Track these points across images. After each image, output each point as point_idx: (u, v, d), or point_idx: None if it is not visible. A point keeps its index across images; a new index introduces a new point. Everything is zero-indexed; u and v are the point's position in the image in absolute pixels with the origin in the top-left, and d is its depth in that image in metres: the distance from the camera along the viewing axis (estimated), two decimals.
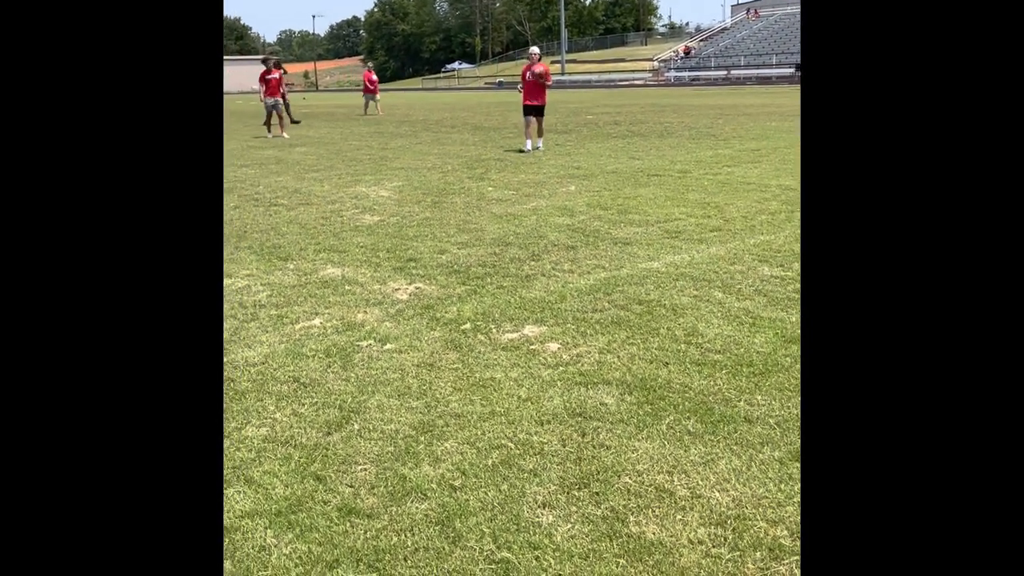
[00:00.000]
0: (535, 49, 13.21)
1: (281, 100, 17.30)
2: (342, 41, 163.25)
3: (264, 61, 17.68)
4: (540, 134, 12.67)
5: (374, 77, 25.81)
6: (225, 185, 9.76)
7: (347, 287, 4.96)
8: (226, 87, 74.29)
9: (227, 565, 2.18)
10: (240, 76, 72.09)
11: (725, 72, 54.77)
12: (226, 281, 5.20)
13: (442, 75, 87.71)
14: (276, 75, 17.14)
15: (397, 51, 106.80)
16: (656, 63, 64.45)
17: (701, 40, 68.47)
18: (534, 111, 12.47)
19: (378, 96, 25.76)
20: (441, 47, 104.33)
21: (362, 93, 26.69)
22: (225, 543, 2.28)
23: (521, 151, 12.53)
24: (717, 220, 6.60)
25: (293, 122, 20.18)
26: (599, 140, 14.07)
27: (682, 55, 64.55)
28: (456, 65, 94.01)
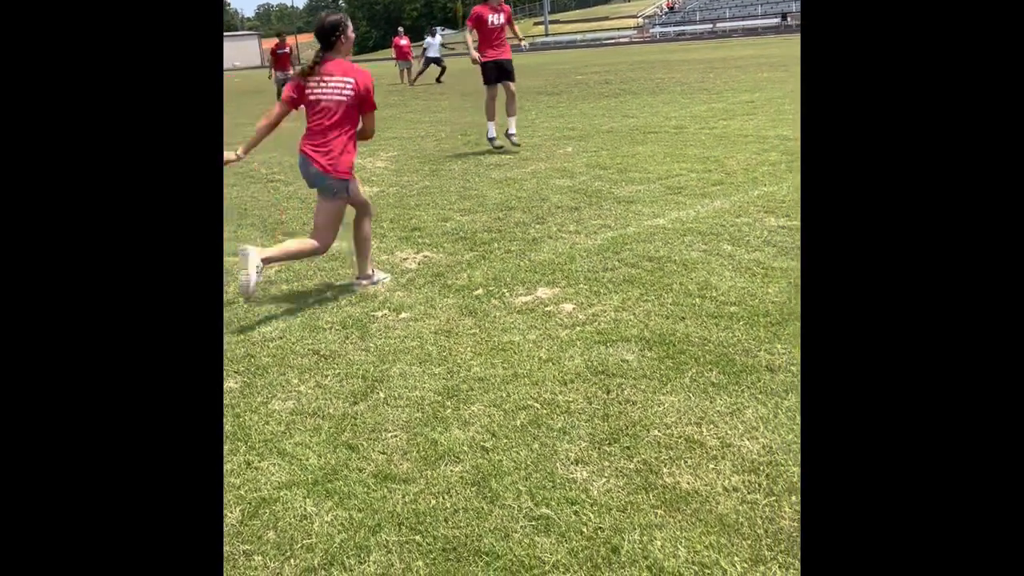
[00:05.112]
0: None
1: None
2: (322, 12, 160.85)
3: (279, 35, 18.11)
4: (513, 111, 8.66)
5: (403, 42, 24.29)
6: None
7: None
8: None
9: (270, 535, 2.21)
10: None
11: (711, 25, 54.19)
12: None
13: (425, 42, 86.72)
14: (286, 49, 17.49)
15: (378, 20, 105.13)
16: (640, 19, 63.71)
17: None
18: (504, 73, 8.45)
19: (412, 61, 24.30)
20: (423, 14, 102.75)
21: (395, 61, 25.05)
22: (266, 514, 2.31)
23: (493, 142, 8.76)
24: (718, 174, 6.59)
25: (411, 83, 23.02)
26: (591, 100, 13.96)
27: (666, 10, 63.82)
28: (438, 31, 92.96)
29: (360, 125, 4.09)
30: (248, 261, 3.80)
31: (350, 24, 4.04)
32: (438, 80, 23.04)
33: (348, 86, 3.93)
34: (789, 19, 48.35)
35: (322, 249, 4.12)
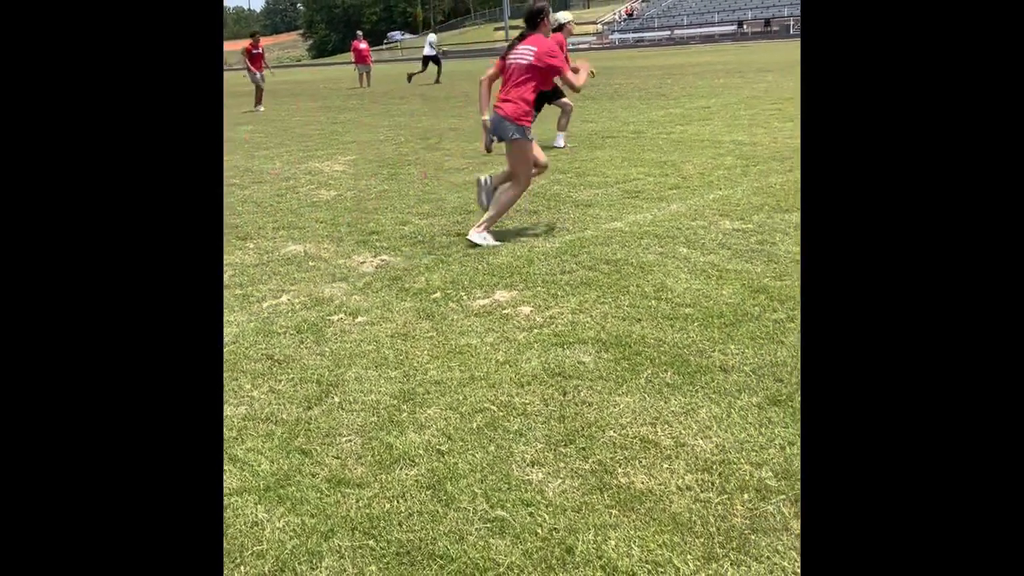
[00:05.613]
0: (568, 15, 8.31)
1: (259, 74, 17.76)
2: (279, 16, 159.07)
3: (252, 35, 18.17)
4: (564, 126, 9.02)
5: (362, 45, 24.57)
6: None
7: (311, 263, 4.90)
8: None
9: None
10: None
11: (668, 32, 54.86)
12: None
13: (384, 46, 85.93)
14: (259, 49, 17.47)
15: (337, 24, 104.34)
16: (600, 26, 64.25)
17: (643, 1, 68.35)
18: (556, 93, 8.46)
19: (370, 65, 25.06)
20: (382, 18, 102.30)
21: (354, 65, 25.52)
22: None
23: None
24: (675, 178, 6.66)
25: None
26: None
27: (625, 17, 64.47)
28: (397, 36, 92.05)
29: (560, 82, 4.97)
30: (483, 239, 4.97)
31: (550, 9, 5.03)
32: (436, 80, 23.82)
33: (531, 52, 4.81)
34: (745, 27, 49.16)
35: (525, 186, 5.13)
